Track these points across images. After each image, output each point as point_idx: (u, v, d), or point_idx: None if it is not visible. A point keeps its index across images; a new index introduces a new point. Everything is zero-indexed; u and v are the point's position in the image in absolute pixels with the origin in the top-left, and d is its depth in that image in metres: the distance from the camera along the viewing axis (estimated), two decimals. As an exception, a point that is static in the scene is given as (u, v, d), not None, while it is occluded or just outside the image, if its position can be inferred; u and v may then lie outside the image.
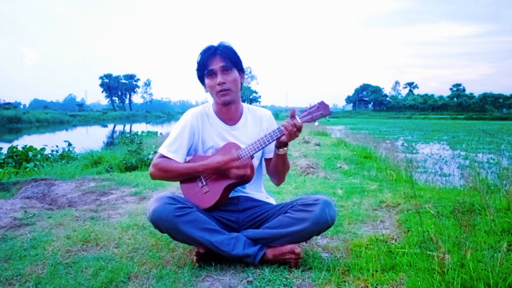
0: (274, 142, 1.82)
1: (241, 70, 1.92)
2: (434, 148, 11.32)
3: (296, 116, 1.77)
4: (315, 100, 1.83)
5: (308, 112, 1.79)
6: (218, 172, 1.82)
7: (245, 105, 2.05)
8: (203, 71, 1.87)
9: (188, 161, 1.94)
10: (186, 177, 1.89)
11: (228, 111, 1.95)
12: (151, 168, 1.90)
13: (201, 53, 1.88)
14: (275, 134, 1.78)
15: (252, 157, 1.83)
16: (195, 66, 1.93)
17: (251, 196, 1.99)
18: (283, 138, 1.77)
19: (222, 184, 1.83)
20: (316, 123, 1.84)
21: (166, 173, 1.87)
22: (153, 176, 1.91)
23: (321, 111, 1.77)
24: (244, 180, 1.83)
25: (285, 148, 1.85)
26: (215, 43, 1.90)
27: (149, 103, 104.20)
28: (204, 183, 1.87)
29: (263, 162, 2.07)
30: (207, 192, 1.85)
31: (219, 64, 1.84)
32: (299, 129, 1.75)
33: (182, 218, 1.73)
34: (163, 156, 1.89)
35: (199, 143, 1.95)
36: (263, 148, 1.81)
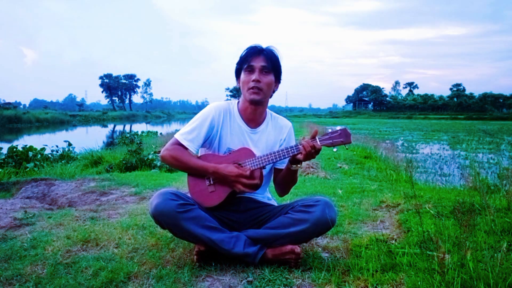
0: (289, 158, 1.82)
1: (278, 78, 1.93)
2: (434, 148, 11.33)
3: (317, 138, 1.76)
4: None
5: (329, 137, 1.78)
6: (225, 181, 1.82)
7: (269, 112, 2.05)
8: (243, 64, 1.88)
9: (200, 157, 1.94)
10: (194, 172, 1.88)
11: (253, 112, 1.94)
12: (163, 151, 1.89)
13: (246, 49, 1.89)
14: (292, 150, 1.77)
15: (264, 167, 1.83)
16: (238, 59, 1.92)
17: (253, 198, 1.99)
18: (299, 156, 1.77)
19: (229, 189, 1.84)
20: (335, 149, 1.82)
21: (176, 162, 1.86)
22: (163, 159, 1.89)
23: (343, 138, 1.76)
24: (253, 188, 1.83)
25: (299, 166, 1.84)
26: (263, 45, 1.90)
27: (149, 103, 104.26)
28: (212, 183, 1.87)
29: (272, 170, 2.06)
30: (213, 191, 1.85)
31: (260, 63, 1.85)
32: (317, 151, 1.75)
33: (183, 214, 1.73)
34: (178, 143, 1.88)
35: (216, 138, 1.94)
36: (277, 161, 1.81)
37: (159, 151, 1.99)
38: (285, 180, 1.95)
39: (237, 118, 1.96)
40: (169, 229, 1.79)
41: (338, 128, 1.79)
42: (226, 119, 1.95)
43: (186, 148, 1.87)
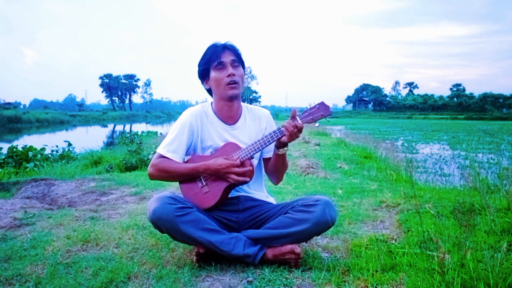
0: (274, 142, 1.83)
1: (244, 71, 1.95)
2: (434, 148, 11.33)
3: (297, 117, 1.77)
4: (315, 100, 1.83)
5: (308, 113, 1.79)
6: (218, 175, 1.82)
7: (244, 105, 2.05)
8: (212, 63, 1.87)
9: (187, 161, 1.94)
10: (186, 177, 1.88)
11: (229, 109, 1.94)
12: (149, 169, 1.89)
13: (209, 47, 1.89)
14: (276, 134, 1.78)
15: (252, 157, 1.83)
16: (199, 60, 1.92)
17: (251, 196, 1.98)
18: (284, 138, 1.77)
19: (222, 184, 1.83)
20: (317, 124, 1.85)
21: (165, 174, 1.87)
22: (152, 177, 1.90)
23: (322, 112, 1.77)
24: (246, 179, 1.82)
25: (285, 148, 1.85)
26: (222, 42, 1.92)
27: (149, 103, 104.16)
28: (204, 183, 1.86)
29: (262, 162, 2.07)
30: (207, 192, 1.85)
31: (230, 58, 1.86)
32: (299, 130, 1.75)
33: (182, 218, 1.73)
34: (162, 156, 1.88)
35: (198, 142, 1.94)
36: (264, 148, 1.81)
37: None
38: (276, 167, 1.94)
39: (214, 118, 1.96)
40: (168, 233, 1.78)
41: (316, 103, 1.80)
42: (204, 121, 1.95)
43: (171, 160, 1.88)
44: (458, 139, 14.94)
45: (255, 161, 1.96)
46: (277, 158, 1.89)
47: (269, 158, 1.98)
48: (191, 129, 1.92)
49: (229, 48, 1.88)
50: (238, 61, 1.89)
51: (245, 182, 1.83)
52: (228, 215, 1.93)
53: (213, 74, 1.88)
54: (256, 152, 1.81)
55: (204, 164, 1.82)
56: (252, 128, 1.99)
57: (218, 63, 1.85)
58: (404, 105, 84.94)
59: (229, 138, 1.94)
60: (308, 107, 1.81)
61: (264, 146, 1.80)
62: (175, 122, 2.00)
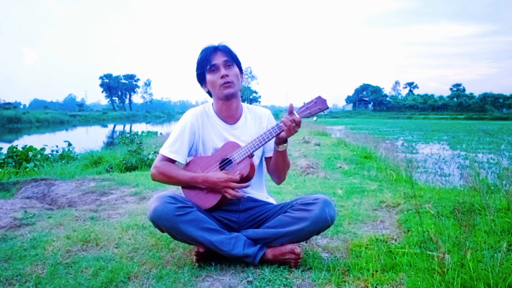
0: (274, 139, 1.83)
1: (240, 69, 1.95)
2: (434, 148, 11.32)
3: (294, 112, 1.78)
4: (314, 96, 1.83)
5: (306, 107, 1.80)
6: (215, 188, 1.81)
7: (244, 105, 2.05)
8: (205, 67, 1.89)
9: (188, 162, 1.94)
10: (185, 184, 1.89)
11: (228, 108, 1.95)
12: (152, 169, 1.90)
13: (201, 52, 1.91)
14: (275, 130, 1.79)
15: (252, 155, 1.83)
16: (195, 66, 1.93)
17: (252, 196, 1.99)
18: (283, 134, 1.78)
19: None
20: (314, 118, 1.85)
21: (166, 178, 1.88)
22: (154, 178, 1.91)
23: (319, 105, 1.78)
24: (247, 178, 1.82)
25: (285, 145, 1.86)
26: (215, 43, 1.92)
27: (149, 103, 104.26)
28: None
29: (264, 161, 2.07)
30: (209, 192, 1.85)
31: (222, 59, 1.87)
32: (298, 124, 1.76)
33: (182, 217, 1.73)
34: (165, 158, 1.89)
35: (199, 143, 1.95)
36: (263, 145, 1.82)
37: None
38: (277, 165, 1.94)
39: (215, 118, 1.97)
40: (168, 232, 1.79)
41: (313, 98, 1.81)
42: (205, 122, 1.96)
43: (174, 161, 1.89)
44: (458, 139, 14.93)
45: (256, 160, 1.96)
46: (278, 155, 1.89)
47: (271, 157, 1.98)
48: (192, 130, 1.93)
49: (221, 49, 1.89)
50: (232, 60, 1.89)
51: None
52: (228, 215, 1.93)
53: (208, 77, 1.90)
54: (256, 149, 1.82)
55: (204, 176, 1.82)
56: (253, 127, 2.00)
57: (211, 66, 1.87)
58: (404, 105, 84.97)
59: (230, 137, 1.94)
60: (306, 102, 1.82)
61: (264, 142, 1.80)
62: (176, 122, 2.01)
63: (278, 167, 1.95)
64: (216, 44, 1.92)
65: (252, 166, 1.82)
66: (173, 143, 1.91)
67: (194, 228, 1.74)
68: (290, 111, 1.78)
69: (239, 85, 1.93)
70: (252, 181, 1.93)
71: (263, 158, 2.06)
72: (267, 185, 2.19)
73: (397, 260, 1.81)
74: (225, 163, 1.86)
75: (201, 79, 1.95)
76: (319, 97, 1.79)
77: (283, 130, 1.77)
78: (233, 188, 1.78)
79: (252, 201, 1.97)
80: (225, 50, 1.89)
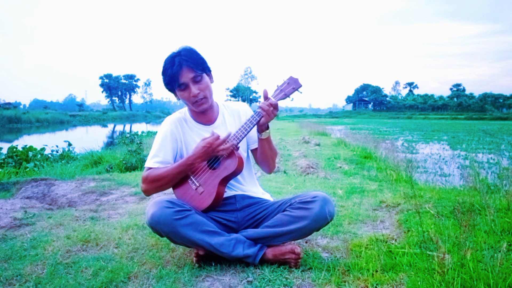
0: (256, 128, 1.84)
1: (208, 71, 1.88)
2: (434, 148, 11.32)
3: (270, 96, 1.81)
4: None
5: (280, 90, 1.82)
6: (208, 155, 1.80)
7: (220, 103, 2.05)
8: (173, 85, 1.83)
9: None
10: (179, 176, 1.86)
11: (204, 114, 1.95)
12: (142, 185, 1.88)
13: (165, 67, 1.81)
14: (254, 118, 1.80)
15: (237, 147, 1.83)
16: (161, 78, 1.86)
17: (247, 194, 1.98)
18: (263, 120, 1.79)
19: (216, 180, 1.82)
20: (291, 98, 1.86)
21: (158, 183, 1.85)
22: (147, 192, 1.89)
23: (292, 85, 1.81)
24: (237, 169, 1.81)
25: (267, 131, 1.86)
26: (176, 50, 1.83)
27: (149, 103, 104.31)
28: (198, 184, 1.85)
29: (251, 155, 2.06)
30: (202, 192, 1.84)
31: (189, 76, 1.79)
32: (275, 107, 1.78)
33: (181, 221, 1.72)
34: (150, 169, 1.88)
35: (183, 148, 1.94)
36: (246, 134, 1.81)
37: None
38: (265, 154, 1.93)
39: (193, 123, 1.97)
40: (168, 237, 1.78)
41: (285, 79, 1.83)
42: (184, 127, 1.95)
43: None
44: (458, 139, 14.93)
45: (243, 154, 1.94)
46: (263, 143, 1.89)
47: (257, 148, 1.97)
48: (173, 137, 1.92)
49: (186, 63, 1.77)
50: (200, 71, 1.80)
51: (239, 168, 1.82)
52: (226, 215, 1.93)
53: (179, 93, 1.85)
54: (240, 140, 1.81)
55: (191, 154, 1.80)
56: (232, 123, 2.00)
57: (180, 85, 1.81)
58: (404, 105, 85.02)
59: None
60: (278, 85, 1.84)
61: (246, 132, 1.80)
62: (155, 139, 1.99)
63: (266, 156, 1.94)
64: (176, 51, 1.82)
65: (240, 158, 1.81)
66: (156, 153, 1.89)
67: (193, 231, 1.74)
68: (265, 97, 1.80)
69: (212, 93, 1.90)
70: (244, 177, 1.93)
71: (249, 152, 2.05)
72: (264, 185, 2.18)
73: (397, 260, 1.81)
74: (212, 161, 1.85)
75: (172, 91, 1.89)
76: (291, 77, 1.82)
77: (262, 116, 1.78)
78: (223, 144, 1.77)
79: (248, 198, 1.97)
80: (191, 63, 1.78)
